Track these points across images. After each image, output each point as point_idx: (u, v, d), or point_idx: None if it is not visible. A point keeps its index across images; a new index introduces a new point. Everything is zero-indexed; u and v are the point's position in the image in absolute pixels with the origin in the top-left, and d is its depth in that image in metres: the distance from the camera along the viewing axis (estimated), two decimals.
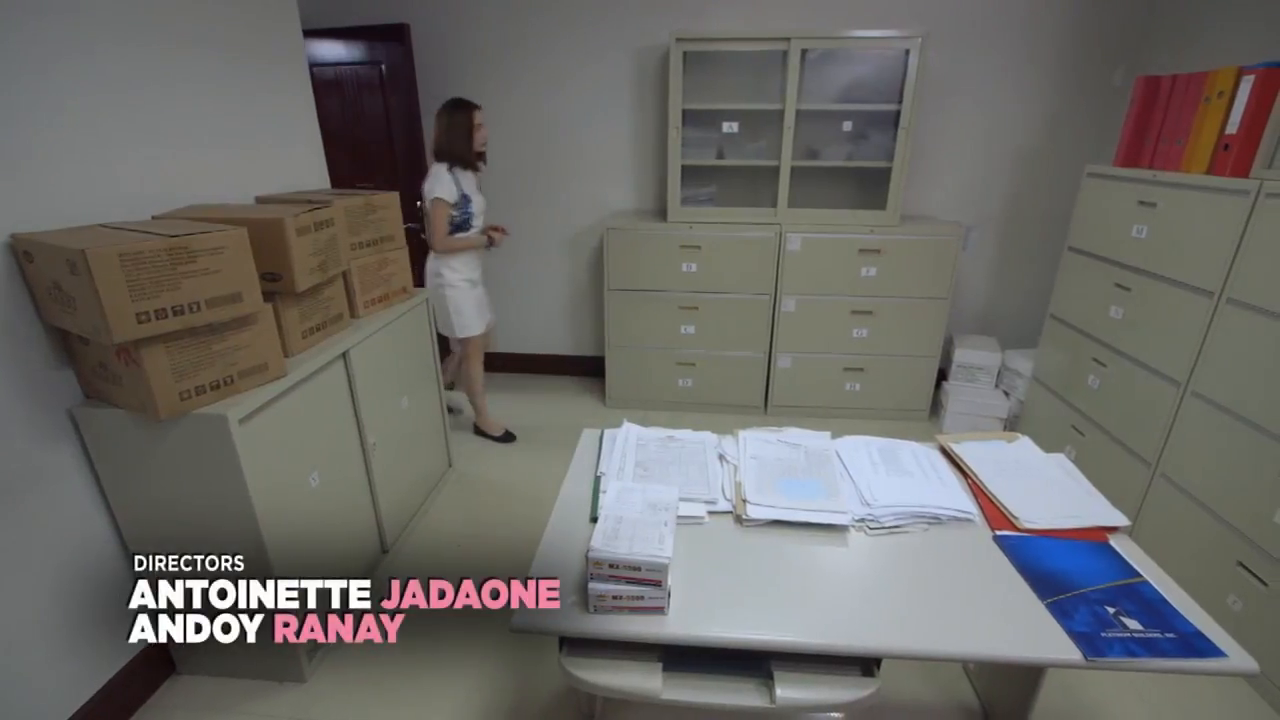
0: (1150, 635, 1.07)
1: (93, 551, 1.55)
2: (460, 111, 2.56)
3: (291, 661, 1.70)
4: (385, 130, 3.30)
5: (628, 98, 3.25)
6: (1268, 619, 1.69)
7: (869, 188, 3.07)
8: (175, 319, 1.32)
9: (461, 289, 2.74)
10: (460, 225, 2.65)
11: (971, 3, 2.96)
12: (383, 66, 3.18)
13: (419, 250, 3.38)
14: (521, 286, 3.69)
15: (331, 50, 3.20)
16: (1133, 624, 1.09)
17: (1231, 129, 1.89)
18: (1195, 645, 1.05)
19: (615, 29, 3.13)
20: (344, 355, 1.88)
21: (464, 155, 2.59)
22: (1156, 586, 1.18)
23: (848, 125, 3.01)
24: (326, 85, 3.23)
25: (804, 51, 2.77)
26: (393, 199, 2.16)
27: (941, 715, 1.67)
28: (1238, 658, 1.03)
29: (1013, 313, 3.48)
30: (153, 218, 1.63)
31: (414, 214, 3.39)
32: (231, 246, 1.40)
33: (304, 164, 2.32)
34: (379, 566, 2.14)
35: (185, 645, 1.69)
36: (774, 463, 1.53)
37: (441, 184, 2.53)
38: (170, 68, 1.73)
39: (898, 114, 2.84)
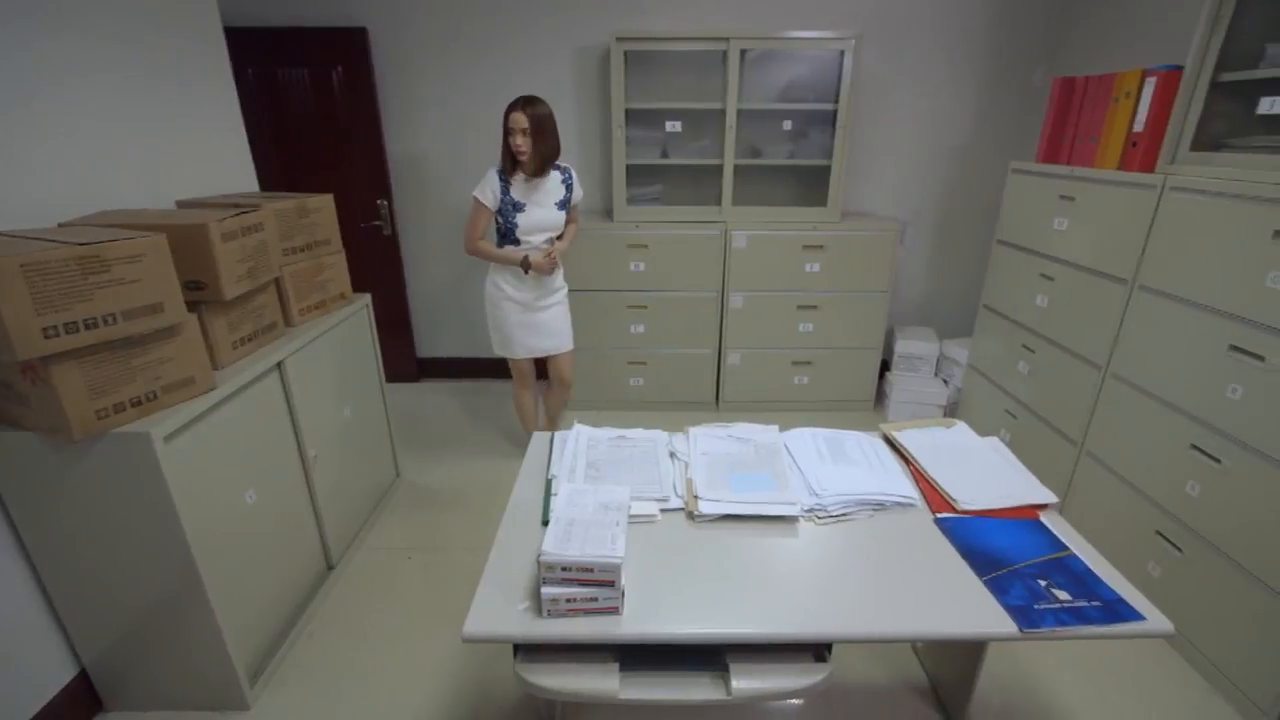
0: (1078, 604, 1.13)
1: (2, 589, 1.43)
2: (506, 109, 2.27)
3: (232, 687, 1.61)
4: (343, 133, 3.19)
5: (571, 97, 3.23)
6: (1183, 583, 1.81)
7: (810, 185, 3.15)
8: (88, 333, 1.24)
9: (504, 307, 2.47)
10: (505, 234, 2.41)
11: (902, 6, 3.07)
12: (338, 69, 3.07)
13: (365, 252, 3.30)
14: (467, 289, 3.62)
15: (282, 51, 3.06)
16: (1062, 595, 1.15)
17: (1138, 127, 2.02)
18: (1118, 611, 1.11)
19: (557, 28, 3.11)
20: (279, 365, 1.80)
21: (504, 157, 2.32)
22: (1083, 558, 1.25)
23: (788, 124, 3.08)
24: (278, 86, 3.11)
25: (743, 51, 2.82)
26: (327, 201, 2.08)
27: (892, 693, 1.73)
28: (1155, 620, 1.10)
29: (949, 304, 3.63)
30: (59, 225, 1.53)
31: (370, 214, 3.31)
32: (149, 254, 1.32)
33: (230, 167, 2.21)
34: (324, 584, 2.06)
35: (112, 678, 1.60)
36: (724, 458, 1.55)
37: (483, 184, 2.32)
38: (79, 63, 1.62)
39: (835, 113, 2.92)
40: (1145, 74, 1.98)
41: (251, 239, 1.67)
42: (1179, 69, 1.88)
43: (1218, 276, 1.71)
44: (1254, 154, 1.71)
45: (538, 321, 2.52)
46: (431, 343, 3.77)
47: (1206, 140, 1.86)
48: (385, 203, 3.31)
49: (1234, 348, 1.66)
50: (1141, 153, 2.01)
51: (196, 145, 2.04)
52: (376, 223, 3.35)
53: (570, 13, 3.08)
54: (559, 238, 2.50)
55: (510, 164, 2.31)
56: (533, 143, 2.25)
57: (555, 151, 2.33)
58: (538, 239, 2.41)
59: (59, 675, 1.56)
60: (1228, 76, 1.78)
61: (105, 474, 1.36)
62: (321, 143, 3.20)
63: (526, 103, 2.25)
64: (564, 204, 2.43)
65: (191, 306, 1.50)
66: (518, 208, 2.34)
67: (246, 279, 1.65)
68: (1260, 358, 1.59)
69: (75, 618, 1.54)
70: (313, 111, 3.14)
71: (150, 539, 1.42)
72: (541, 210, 2.38)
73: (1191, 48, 1.83)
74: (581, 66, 3.18)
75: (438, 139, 3.31)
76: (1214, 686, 1.74)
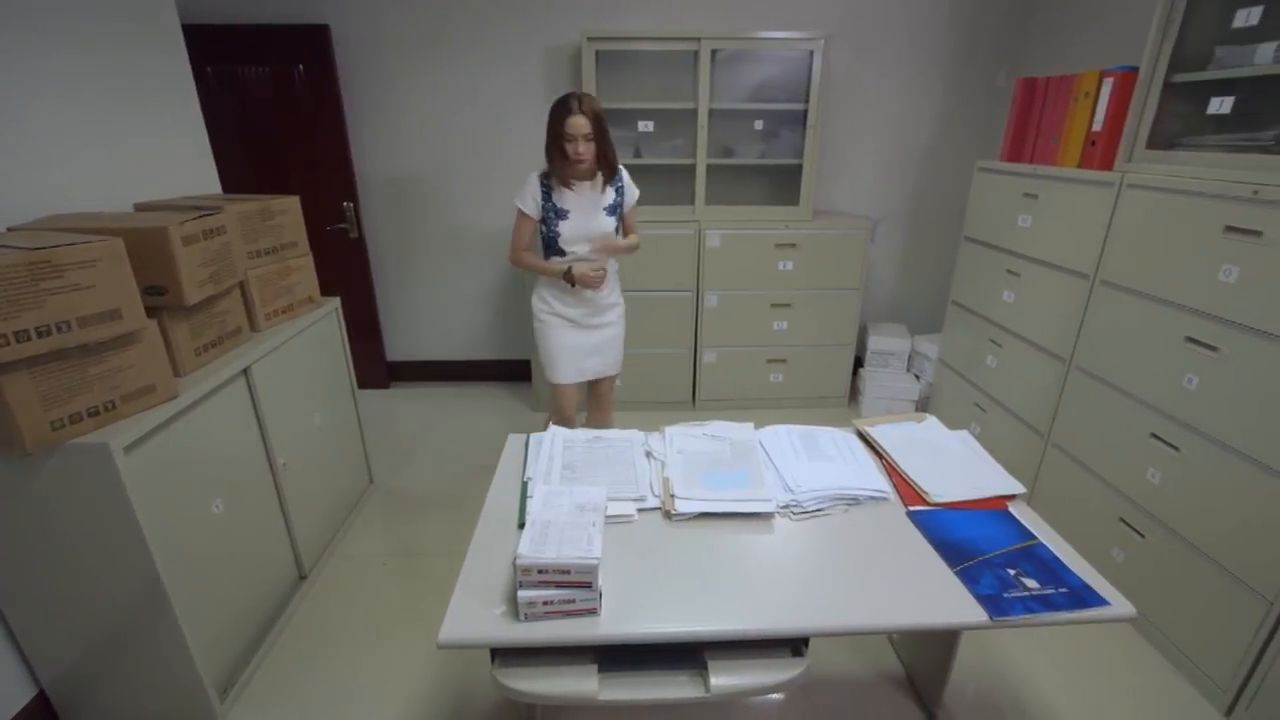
0: (1046, 592, 1.15)
1: None
2: (555, 111, 1.96)
3: (200, 703, 1.57)
4: (308, 134, 3.12)
5: (542, 97, 3.21)
6: (1146, 567, 1.87)
7: (782, 184, 3.17)
8: (40, 341, 1.19)
9: (548, 323, 2.22)
10: (548, 245, 2.14)
11: (870, 7, 3.11)
12: (299, 68, 3.00)
13: (332, 256, 3.24)
14: (439, 291, 3.58)
15: (242, 49, 2.98)
16: (1031, 583, 1.17)
17: (1097, 126, 2.08)
18: (1083, 597, 1.14)
19: (528, 27, 3.09)
20: (245, 372, 1.76)
21: (550, 162, 2.04)
22: (1050, 547, 1.28)
23: (759, 124, 3.10)
24: (240, 86, 3.03)
25: (714, 51, 2.83)
26: (293, 203, 2.04)
27: (870, 684, 1.75)
28: (1119, 605, 1.14)
29: (919, 300, 3.70)
30: (8, 229, 1.47)
31: (336, 217, 3.24)
32: (105, 259, 1.28)
33: (191, 168, 2.15)
34: (297, 593, 2.02)
35: (73, 698, 1.55)
36: (700, 456, 1.55)
37: (522, 190, 2.08)
38: (27, 61, 1.56)
39: (805, 113, 2.95)
40: (1103, 75, 2.04)
41: (214, 242, 1.62)
42: (1134, 70, 1.94)
43: (1173, 271, 1.77)
44: (1205, 152, 1.77)
45: (588, 342, 2.24)
46: (402, 346, 3.72)
47: (1161, 139, 1.92)
48: (351, 205, 3.25)
49: (1190, 339, 1.72)
50: (1100, 151, 2.07)
51: (155, 146, 1.98)
52: (342, 225, 3.28)
53: (540, 12, 3.06)
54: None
55: (561, 174, 2.03)
56: (597, 147, 1.99)
57: (606, 153, 2.04)
58: (584, 249, 2.12)
59: (15, 698, 1.50)
60: (1179, 78, 1.84)
61: (62, 488, 1.31)
62: (286, 144, 3.13)
63: (583, 100, 1.93)
64: (615, 209, 2.14)
65: (152, 312, 1.45)
66: (561, 214, 2.07)
67: (209, 283, 1.61)
68: (1214, 348, 1.65)
69: (33, 637, 1.48)
70: (276, 112, 3.07)
71: (112, 553, 1.37)
72: (588, 218, 2.09)
73: (1145, 50, 1.88)
74: (552, 66, 3.16)
75: (405, 140, 3.26)
76: (1176, 667, 1.80)
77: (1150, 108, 1.90)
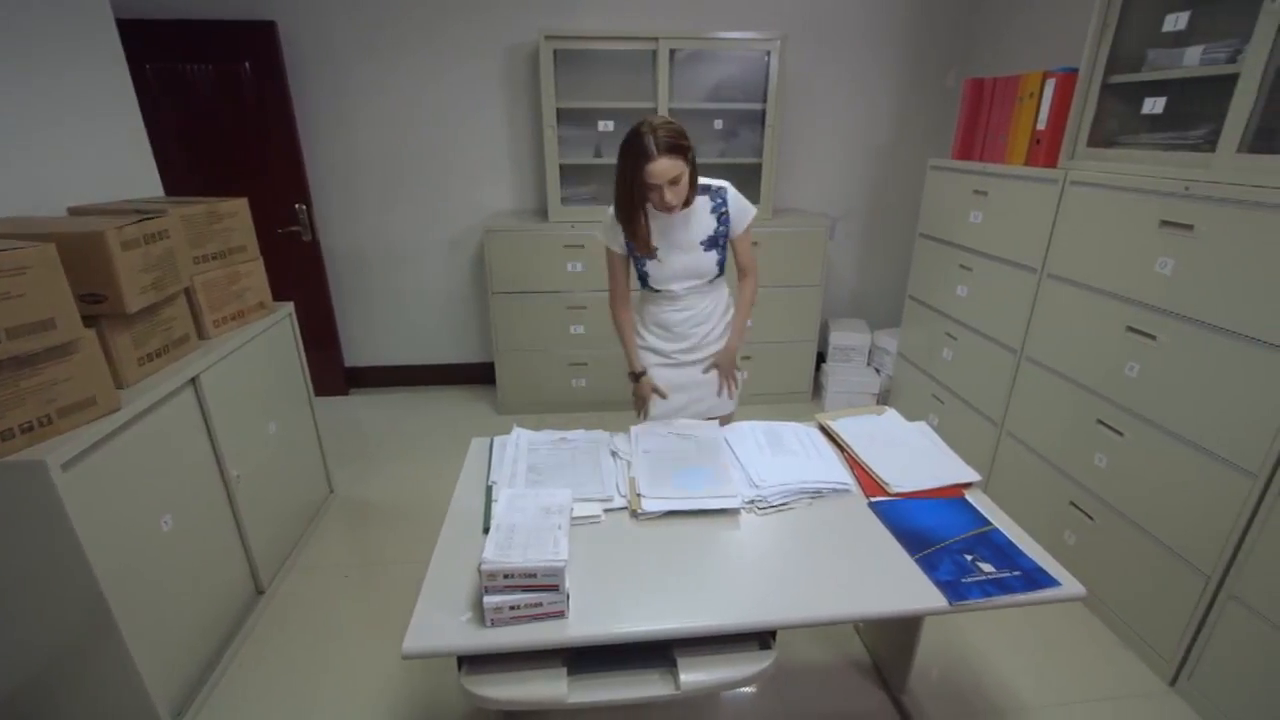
0: (1001, 575, 1.19)
1: None
2: (628, 156, 1.54)
3: None
4: (256, 134, 3.01)
5: (500, 96, 3.17)
6: (1096, 548, 1.95)
7: (742, 183, 3.14)
8: None
9: (646, 359, 1.86)
10: (642, 280, 1.80)
11: (824, 9, 3.16)
12: (245, 65, 2.90)
13: (284, 260, 3.14)
14: (399, 294, 3.51)
15: (183, 45, 2.85)
16: (987, 567, 1.21)
17: (1041, 125, 2.16)
18: (1036, 579, 1.18)
19: (484, 26, 3.05)
20: (193, 381, 1.69)
21: (620, 210, 1.64)
22: (1004, 532, 1.32)
23: (719, 123, 3.12)
24: (181, 84, 2.90)
25: (672, 51, 2.84)
26: (241, 205, 1.97)
27: (837, 673, 1.79)
28: (1069, 585, 1.18)
29: (878, 295, 3.78)
30: None
31: (288, 219, 3.14)
32: (36, 265, 1.22)
33: (130, 170, 2.06)
34: (255, 609, 1.95)
35: None
36: (666, 455, 1.55)
37: (606, 225, 1.74)
38: None
39: (764, 112, 2.98)
40: (1045, 76, 2.12)
41: (156, 247, 1.56)
42: (1075, 71, 2.02)
43: (1114, 264, 1.85)
44: (1141, 150, 1.86)
45: (680, 379, 1.86)
46: (361, 352, 3.63)
47: (1101, 137, 2.00)
48: (304, 207, 3.15)
49: (1130, 329, 1.80)
50: (1045, 149, 2.14)
51: (89, 147, 1.89)
52: (295, 228, 3.18)
53: (497, 11, 3.03)
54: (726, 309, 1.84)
55: (622, 218, 1.66)
56: (687, 188, 1.59)
57: (696, 172, 1.62)
58: (681, 286, 1.76)
59: None
60: (1116, 79, 1.92)
61: None
62: (233, 144, 3.01)
63: (657, 133, 1.49)
64: (715, 242, 1.72)
65: (90, 321, 1.38)
66: (649, 256, 1.72)
67: (152, 290, 1.54)
68: (1153, 337, 1.73)
69: None
70: (221, 111, 2.95)
71: (52, 576, 1.30)
72: (680, 254, 1.70)
73: (1084, 52, 1.96)
74: (510, 65, 3.13)
75: (360, 141, 3.18)
76: (1124, 641, 1.88)
77: (1090, 107, 1.98)
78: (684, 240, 1.70)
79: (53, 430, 1.29)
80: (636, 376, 1.84)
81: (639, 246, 1.68)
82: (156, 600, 1.52)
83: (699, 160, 1.61)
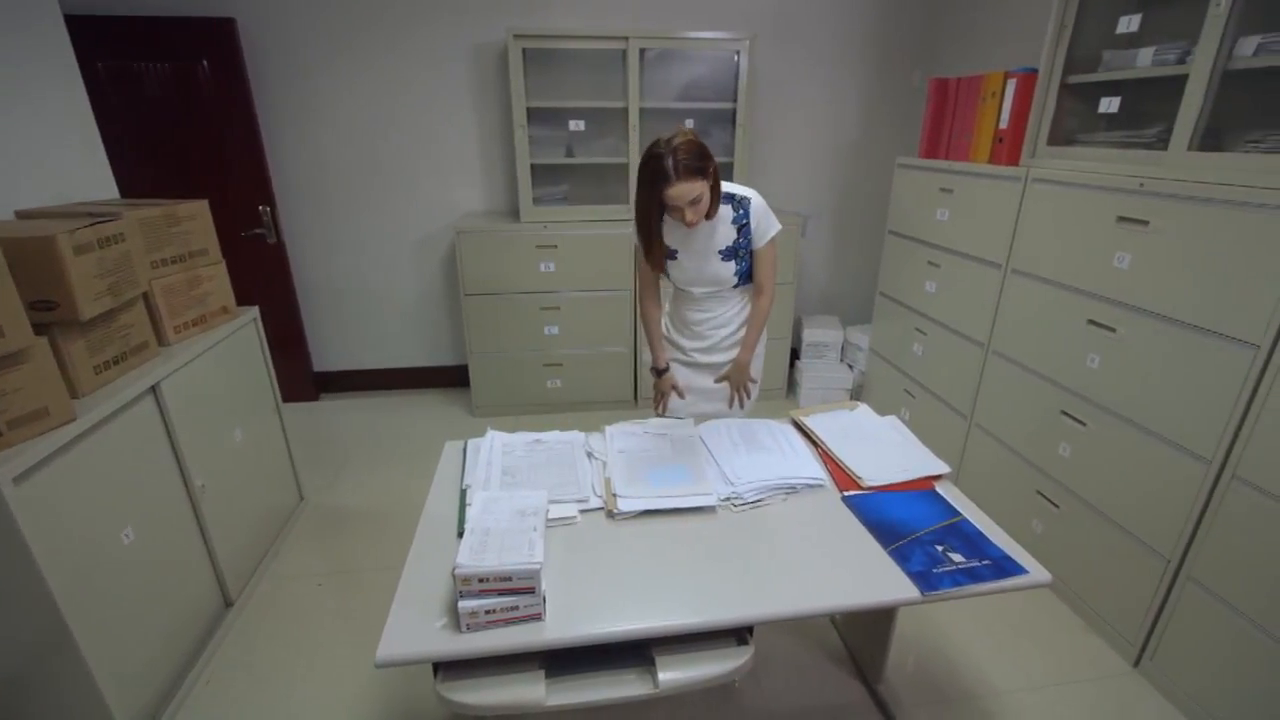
0: (971, 565, 1.22)
1: None
2: (646, 179, 1.53)
3: None
4: (217, 135, 2.92)
5: (469, 95, 3.14)
6: (1062, 535, 2.00)
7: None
8: None
9: (668, 352, 1.90)
10: (667, 274, 1.81)
11: (793, 9, 3.19)
12: (204, 63, 2.81)
13: (249, 263, 3.06)
14: (369, 297, 3.45)
15: (137, 42, 2.75)
16: (957, 557, 1.23)
17: (1003, 124, 2.21)
18: (1005, 568, 1.21)
19: (452, 24, 3.01)
20: (154, 389, 1.64)
21: (640, 229, 1.64)
22: (973, 522, 1.35)
23: (690, 122, 3.13)
24: (136, 83, 2.80)
25: (642, 50, 2.84)
26: (200, 207, 1.92)
27: (814, 665, 1.81)
28: (1036, 572, 1.21)
29: (850, 292, 3.83)
30: None
31: (251, 221, 3.06)
32: None
33: (83, 173, 1.98)
34: (223, 622, 1.90)
35: None
36: (641, 454, 1.55)
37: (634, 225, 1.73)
38: None
39: (735, 112, 3.00)
40: (1007, 76, 2.17)
41: (111, 251, 1.51)
42: (1035, 71, 2.07)
43: (1075, 259, 1.90)
44: (1098, 148, 1.91)
45: (699, 386, 1.89)
46: (330, 356, 3.56)
47: (1060, 136, 2.06)
48: (268, 209, 3.08)
49: (1091, 322, 1.85)
50: (1007, 147, 2.19)
51: (37, 149, 1.82)
52: (259, 231, 3.10)
53: (464, 8, 2.99)
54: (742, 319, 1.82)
55: (653, 253, 1.68)
56: (709, 204, 1.58)
57: (719, 185, 1.61)
58: (699, 290, 1.77)
59: None
60: (1074, 79, 1.98)
61: None
62: (192, 145, 2.92)
63: (677, 153, 1.47)
64: (734, 252, 1.70)
65: (41, 329, 1.33)
66: (670, 254, 1.73)
67: (107, 296, 1.49)
68: (1112, 329, 1.78)
69: None
70: (180, 111, 2.86)
71: (6, 593, 1.25)
72: (699, 261, 1.71)
73: (1043, 53, 2.01)
74: (479, 64, 3.09)
75: (326, 140, 3.12)
76: (1090, 625, 1.94)
77: (1049, 107, 2.04)
78: (703, 248, 1.70)
79: (3, 443, 1.24)
80: (659, 372, 1.87)
81: (652, 264, 1.72)
82: (118, 616, 1.47)
83: None
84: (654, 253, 1.67)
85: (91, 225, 1.45)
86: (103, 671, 1.38)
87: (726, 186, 1.66)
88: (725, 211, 1.67)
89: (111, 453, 1.49)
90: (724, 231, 1.68)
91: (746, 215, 1.68)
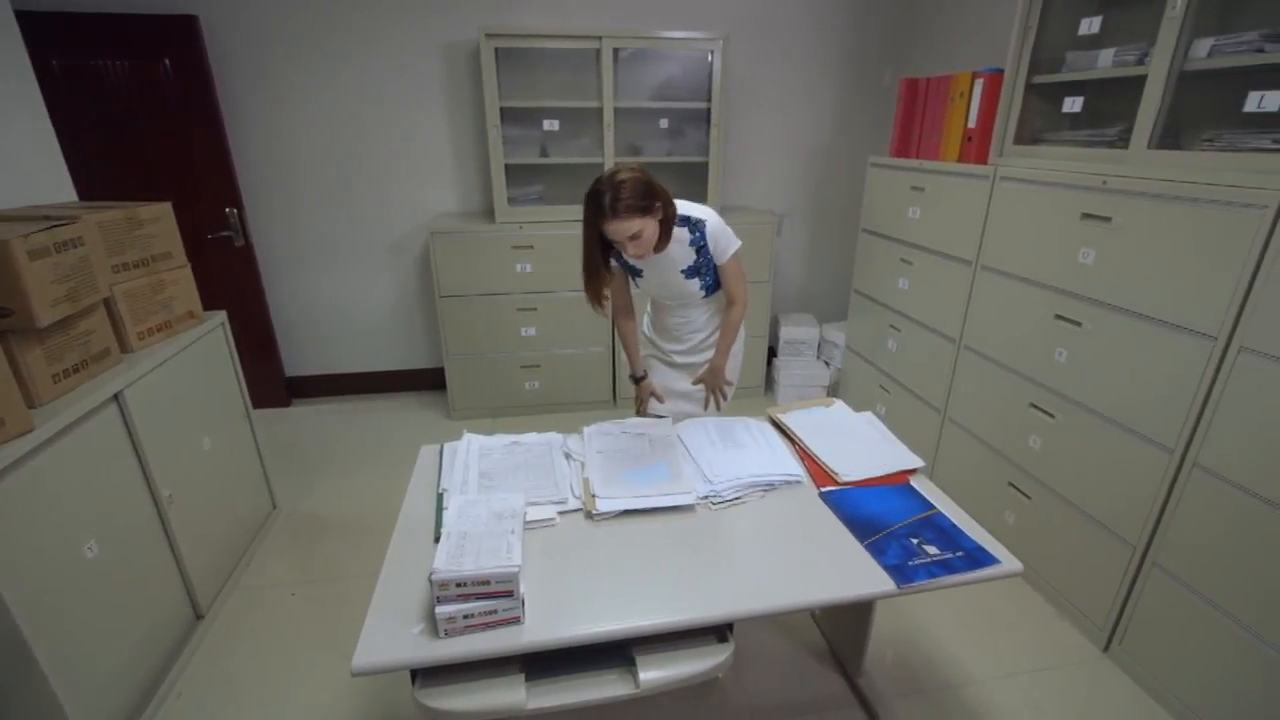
0: (945, 556, 1.24)
1: None
2: (587, 214, 1.54)
3: None
4: (180, 136, 2.84)
5: (442, 95, 3.10)
6: (1034, 526, 2.05)
7: (690, 181, 3.23)
8: None
9: (647, 350, 1.99)
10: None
11: (765, 9, 3.21)
12: (165, 62, 2.73)
13: (216, 266, 2.99)
14: (341, 300, 3.39)
15: (93, 40, 2.66)
16: (932, 550, 1.25)
17: (972, 123, 2.25)
18: (978, 559, 1.23)
19: (422, 23, 2.97)
20: (117, 397, 1.59)
21: (595, 259, 1.63)
22: (947, 514, 1.37)
23: (664, 122, 3.14)
24: (94, 82, 2.70)
25: (616, 50, 2.84)
26: (164, 210, 1.86)
27: (795, 660, 1.82)
28: (1008, 562, 1.23)
29: (825, 290, 3.87)
30: None
31: (218, 224, 2.98)
32: None
33: (36, 174, 1.92)
34: (193, 635, 1.85)
35: None
36: (619, 454, 1.55)
37: None
38: None
39: (709, 111, 3.01)
40: (974, 76, 2.21)
41: (69, 255, 1.46)
42: (1001, 72, 2.11)
43: (1042, 255, 1.94)
44: (1062, 146, 1.96)
45: (677, 387, 1.94)
46: (302, 361, 3.49)
47: (1026, 135, 2.10)
48: (235, 211, 3.00)
49: (1058, 316, 1.89)
50: (976, 146, 2.24)
51: None
52: (226, 233, 3.03)
53: (435, 6, 2.96)
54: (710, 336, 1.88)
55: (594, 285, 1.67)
56: (658, 239, 1.58)
57: (671, 218, 1.60)
58: (671, 301, 1.84)
59: None
60: (1039, 79, 2.02)
61: None
62: (155, 146, 2.84)
63: (619, 190, 1.46)
64: (697, 270, 1.72)
65: None
66: (634, 271, 1.76)
67: (65, 302, 1.44)
68: (1079, 324, 1.83)
69: None
70: (141, 111, 2.78)
71: None
72: (661, 279, 1.74)
73: (1009, 53, 2.05)
74: (451, 63, 3.06)
75: (294, 140, 3.06)
76: (1061, 612, 1.98)
77: (1015, 106, 2.08)
78: (665, 268, 1.71)
79: None
80: (637, 380, 1.93)
81: (591, 295, 1.68)
82: (81, 632, 1.42)
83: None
84: (593, 285, 1.65)
85: (47, 229, 1.40)
86: (66, 689, 1.34)
87: (682, 208, 1.65)
88: (682, 234, 1.66)
89: (72, 464, 1.44)
90: (682, 253, 1.69)
91: (703, 237, 1.68)
